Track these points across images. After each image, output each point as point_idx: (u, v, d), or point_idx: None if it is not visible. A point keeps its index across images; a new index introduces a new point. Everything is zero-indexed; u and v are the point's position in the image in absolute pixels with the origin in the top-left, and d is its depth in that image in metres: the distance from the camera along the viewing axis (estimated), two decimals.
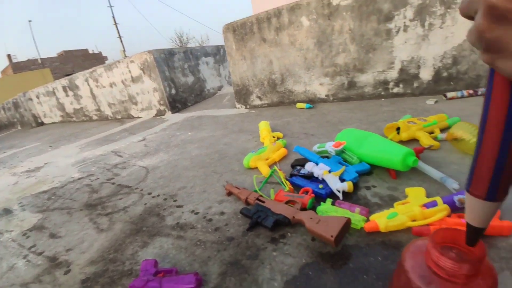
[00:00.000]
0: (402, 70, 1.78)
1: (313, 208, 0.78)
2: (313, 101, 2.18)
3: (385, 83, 1.86)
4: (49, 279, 0.77)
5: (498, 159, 0.25)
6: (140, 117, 3.37)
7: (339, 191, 0.81)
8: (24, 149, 3.08)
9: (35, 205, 1.32)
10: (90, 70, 3.65)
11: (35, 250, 0.93)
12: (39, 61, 22.15)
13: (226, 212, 0.87)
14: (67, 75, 4.54)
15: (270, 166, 1.12)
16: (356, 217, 0.68)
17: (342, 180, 0.86)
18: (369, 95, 1.94)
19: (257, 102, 2.48)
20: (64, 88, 4.27)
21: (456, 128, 0.99)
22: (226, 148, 1.50)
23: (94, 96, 3.87)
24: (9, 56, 22.33)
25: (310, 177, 0.94)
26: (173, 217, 0.91)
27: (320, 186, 0.85)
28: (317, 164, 0.98)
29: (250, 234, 0.74)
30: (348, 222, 0.62)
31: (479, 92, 1.55)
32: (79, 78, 3.87)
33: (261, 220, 0.73)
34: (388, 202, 0.77)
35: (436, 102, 1.60)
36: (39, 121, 5.36)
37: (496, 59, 0.21)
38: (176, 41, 22.27)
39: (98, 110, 3.97)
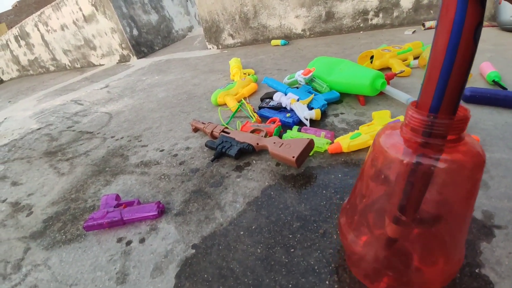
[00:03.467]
0: None
1: (280, 136, 0.76)
2: (289, 37, 2.02)
3: (364, 13, 1.73)
4: (12, 223, 0.74)
5: (442, 70, 0.24)
6: (102, 65, 3.05)
7: (306, 119, 0.78)
8: None
9: None
10: (39, 12, 3.11)
11: None
12: None
13: (191, 147, 0.84)
14: None
15: (239, 101, 1.06)
16: (321, 141, 0.67)
17: (310, 108, 0.83)
18: (347, 28, 1.81)
19: (230, 41, 2.27)
20: (16, 38, 3.69)
21: (427, 52, 0.95)
22: (195, 88, 1.41)
23: (46, 43, 3.39)
24: None
25: (279, 108, 0.90)
26: (137, 156, 0.87)
27: (288, 115, 0.83)
28: (285, 94, 0.93)
29: (215, 164, 0.72)
30: (310, 143, 0.61)
31: None
32: (29, 23, 3.31)
33: (225, 150, 0.71)
34: (355, 126, 0.77)
35: (414, 32, 1.52)
36: None
37: None
38: None
39: (54, 59, 3.53)
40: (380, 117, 0.73)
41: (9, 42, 3.90)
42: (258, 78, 1.27)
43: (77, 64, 3.32)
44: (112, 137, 1.07)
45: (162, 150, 0.87)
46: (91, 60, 3.15)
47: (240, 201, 0.58)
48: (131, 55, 2.77)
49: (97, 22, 2.71)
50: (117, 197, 0.65)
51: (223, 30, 2.24)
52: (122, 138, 1.04)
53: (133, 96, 1.56)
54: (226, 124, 0.90)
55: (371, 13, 1.72)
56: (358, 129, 0.72)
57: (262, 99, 1.00)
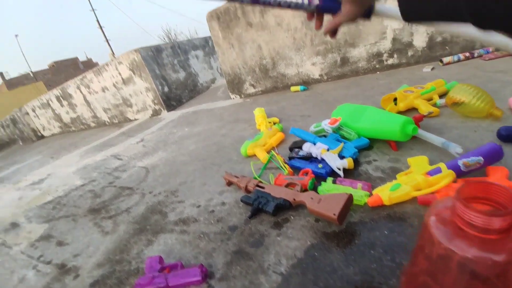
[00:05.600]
0: (395, 40, 1.72)
1: (314, 188, 0.76)
2: (307, 83, 2.13)
3: (378, 55, 1.80)
4: (58, 286, 0.77)
5: None
6: (137, 119, 3.35)
7: (339, 169, 0.79)
8: (26, 164, 3.10)
9: (41, 216, 1.32)
10: (80, 76, 3.60)
11: (44, 259, 0.94)
12: (31, 75, 22.02)
13: (227, 202, 0.86)
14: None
15: (268, 151, 1.10)
16: (359, 193, 0.66)
17: (341, 157, 0.84)
18: (363, 70, 1.89)
19: (251, 90, 2.43)
20: (57, 98, 4.24)
21: (454, 91, 0.95)
22: (223, 139, 1.48)
23: (88, 103, 3.84)
24: (1, 74, 22.16)
25: (309, 158, 0.92)
26: (175, 213, 0.91)
27: (320, 165, 0.83)
28: (314, 144, 0.95)
29: (253, 221, 0.73)
30: (350, 198, 0.61)
31: (476, 54, 1.49)
32: (71, 86, 3.83)
33: (262, 206, 0.72)
34: (391, 174, 0.75)
35: (432, 69, 1.55)
36: (39, 134, 5.36)
37: None
38: (164, 38, 21.88)
39: (95, 116, 3.95)
40: (418, 164, 0.71)
41: (50, 102, 4.44)
42: (283, 127, 1.32)
43: (115, 120, 3.68)
44: (150, 192, 1.13)
45: (198, 206, 0.90)
46: (127, 116, 3.49)
47: (284, 263, 0.57)
48: (162, 109, 3.04)
49: (134, 83, 3.06)
50: (160, 260, 0.66)
51: (245, 81, 2.42)
52: (159, 193, 1.09)
53: (166, 149, 1.67)
54: (258, 176, 0.92)
55: (385, 54, 1.79)
56: (395, 178, 0.71)
57: (291, 149, 1.03)
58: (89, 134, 3.56)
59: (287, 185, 0.77)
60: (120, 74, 3.11)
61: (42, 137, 5.36)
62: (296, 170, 0.90)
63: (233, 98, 2.55)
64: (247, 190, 0.84)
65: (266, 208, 0.71)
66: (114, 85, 3.29)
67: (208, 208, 0.86)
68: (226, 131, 1.60)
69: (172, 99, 3.11)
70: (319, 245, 0.59)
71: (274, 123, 1.38)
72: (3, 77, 21.96)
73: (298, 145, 1.01)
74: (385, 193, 0.64)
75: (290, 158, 0.96)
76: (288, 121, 1.43)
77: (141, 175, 1.37)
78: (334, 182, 0.74)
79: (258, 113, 1.48)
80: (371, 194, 0.67)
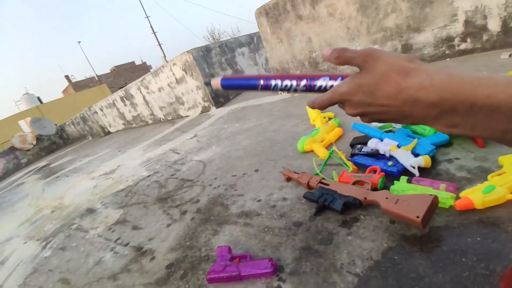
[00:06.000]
0: (467, 22, 1.50)
1: (385, 187, 0.72)
2: None
3: (448, 39, 1.59)
4: (136, 268, 0.86)
5: None
6: (188, 116, 3.57)
7: (413, 167, 0.72)
8: (97, 156, 3.55)
9: (116, 202, 1.50)
10: (141, 79, 3.98)
11: (121, 242, 1.06)
12: (96, 78, 25.11)
13: (288, 197, 0.86)
14: (121, 88, 5.06)
15: (327, 147, 1.06)
16: (443, 195, 0.60)
17: (415, 155, 0.77)
18: (430, 57, 1.69)
19: None
20: (121, 98, 4.76)
21: None
22: (276, 135, 1.49)
23: (147, 102, 4.22)
24: (67, 76, 25.60)
25: (375, 154, 0.86)
26: (237, 206, 0.94)
27: (389, 163, 0.78)
28: (381, 140, 0.89)
29: (318, 218, 0.71)
30: (435, 200, 0.55)
31: None
32: (133, 87, 4.25)
33: (328, 204, 0.70)
34: (479, 175, 0.66)
35: (510, 55, 1.32)
36: (106, 130, 6.11)
37: None
38: (209, 38, 22.81)
39: (152, 114, 4.33)
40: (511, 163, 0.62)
41: (115, 102, 5.00)
42: (340, 122, 1.26)
43: (169, 117, 3.99)
44: (209, 185, 1.20)
45: (259, 200, 0.92)
46: (179, 113, 3.75)
47: (359, 264, 0.55)
48: (211, 106, 3.18)
49: (186, 82, 3.26)
50: (229, 250, 0.70)
51: None
52: (218, 186, 1.15)
53: (219, 144, 1.74)
54: (319, 172, 0.90)
55: (457, 39, 1.58)
56: (486, 179, 0.62)
57: (352, 145, 0.98)
58: (148, 130, 3.92)
59: (355, 183, 0.73)
60: (174, 74, 3.35)
61: (109, 133, 6.09)
62: (360, 167, 0.86)
63: (280, 94, 2.53)
64: (309, 186, 0.83)
65: (333, 206, 0.69)
66: (168, 85, 3.55)
67: (269, 203, 0.87)
68: (278, 127, 1.60)
69: (220, 96, 3.23)
70: (398, 249, 0.55)
71: (330, 118, 1.33)
72: (69, 80, 25.32)
73: (360, 141, 0.96)
74: (477, 196, 0.56)
75: (353, 155, 0.91)
76: (343, 116, 1.37)
77: (199, 169, 1.45)
78: (409, 181, 0.68)
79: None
80: (457, 197, 0.60)
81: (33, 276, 1.09)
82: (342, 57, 0.30)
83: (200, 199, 1.10)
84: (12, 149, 7.75)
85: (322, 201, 0.72)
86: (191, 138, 2.25)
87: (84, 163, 3.49)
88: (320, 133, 1.12)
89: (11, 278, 1.16)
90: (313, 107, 0.33)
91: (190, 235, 0.89)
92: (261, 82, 0.35)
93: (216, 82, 0.37)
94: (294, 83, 0.34)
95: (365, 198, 0.66)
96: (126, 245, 1.02)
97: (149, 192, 1.43)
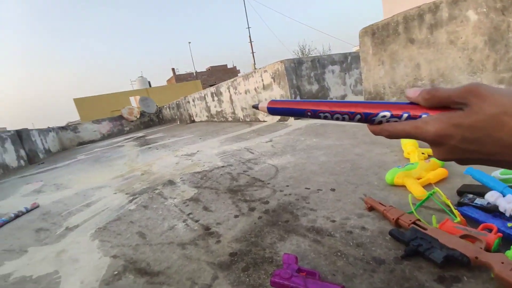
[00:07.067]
0: None
1: (499, 251, 0.57)
2: None
3: None
4: (203, 244, 0.92)
5: None
6: (265, 121, 3.71)
7: None
8: (182, 139, 4.05)
9: (192, 181, 1.67)
10: (232, 79, 4.37)
11: (193, 217, 1.16)
12: (194, 74, 29.12)
13: (368, 228, 0.78)
14: (211, 85, 5.68)
15: (424, 187, 0.92)
16: None
17: None
18: None
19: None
20: (212, 94, 5.34)
21: None
22: (358, 159, 1.39)
23: (232, 101, 4.61)
24: (173, 69, 30.74)
25: (492, 210, 0.70)
26: (307, 219, 0.91)
27: (509, 224, 0.62)
28: (503, 195, 0.72)
29: (406, 263, 0.62)
30: None
31: None
32: (223, 86, 4.71)
33: (423, 251, 0.60)
34: None
35: None
36: (192, 119, 6.94)
37: None
38: (298, 53, 23.35)
39: (233, 113, 4.70)
40: None
41: (206, 96, 5.61)
42: (444, 162, 1.08)
43: (248, 119, 4.24)
44: (280, 191, 1.20)
45: (333, 221, 0.86)
46: (258, 117, 3.94)
47: None
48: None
49: (272, 89, 3.41)
50: (296, 260, 0.68)
51: None
52: (290, 194, 1.14)
53: (294, 154, 1.74)
54: (414, 211, 0.79)
55: None
56: None
57: (461, 193, 0.82)
58: (227, 126, 4.26)
59: (463, 237, 0.61)
60: (262, 80, 3.55)
61: (193, 121, 6.90)
62: (469, 220, 0.71)
63: None
64: (397, 224, 0.74)
65: (431, 255, 0.58)
66: (255, 89, 3.78)
67: (345, 228, 0.81)
68: (362, 151, 1.49)
69: None
70: None
71: (429, 156, 1.16)
72: (174, 72, 30.30)
73: (473, 189, 0.80)
74: None
75: (461, 204, 0.76)
76: None
77: (271, 172, 1.48)
78: None
79: (407, 140, 1.29)
80: None
81: (115, 223, 1.29)
82: (434, 98, 0.26)
83: (270, 201, 1.12)
84: (120, 117, 9.69)
85: (415, 245, 0.62)
86: (266, 142, 2.32)
87: (171, 141, 4.03)
88: (418, 169, 0.99)
89: (92, 220, 1.39)
90: (378, 134, 0.30)
91: (256, 233, 0.90)
92: (308, 113, 0.33)
93: (263, 106, 0.37)
94: (347, 117, 0.31)
95: (476, 258, 0.54)
96: (196, 221, 1.11)
97: (221, 181, 1.54)
